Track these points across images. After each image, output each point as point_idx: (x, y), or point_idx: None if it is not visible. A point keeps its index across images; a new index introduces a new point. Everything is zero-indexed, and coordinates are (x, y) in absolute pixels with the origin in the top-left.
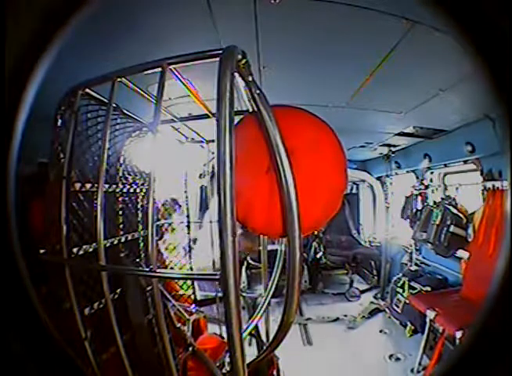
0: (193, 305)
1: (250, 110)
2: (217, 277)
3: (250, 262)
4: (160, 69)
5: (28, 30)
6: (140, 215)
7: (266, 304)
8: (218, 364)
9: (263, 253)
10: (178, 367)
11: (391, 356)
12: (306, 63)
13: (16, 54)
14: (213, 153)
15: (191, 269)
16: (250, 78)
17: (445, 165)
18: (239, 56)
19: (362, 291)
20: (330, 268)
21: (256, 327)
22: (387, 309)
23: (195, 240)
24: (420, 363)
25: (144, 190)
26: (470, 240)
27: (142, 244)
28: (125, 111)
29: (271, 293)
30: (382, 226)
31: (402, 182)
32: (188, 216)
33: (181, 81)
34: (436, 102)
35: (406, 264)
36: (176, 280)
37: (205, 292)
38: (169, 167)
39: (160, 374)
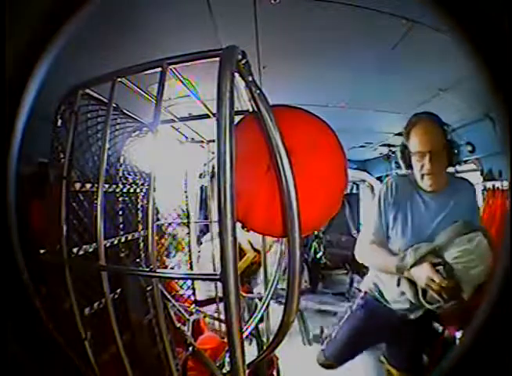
0: (193, 305)
1: (250, 110)
2: (217, 277)
3: None
4: (160, 69)
5: (28, 30)
6: (140, 215)
7: (266, 304)
8: (218, 364)
9: (263, 253)
10: (178, 367)
11: None
12: (306, 63)
13: (17, 54)
14: (213, 153)
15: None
16: (250, 78)
17: None
18: (239, 56)
19: None
20: (330, 268)
21: (256, 327)
22: None
23: None
24: None
25: (144, 190)
26: None
27: (142, 244)
28: (125, 111)
29: (271, 293)
30: None
31: None
32: (188, 216)
33: (181, 81)
34: (436, 102)
35: None
36: (176, 280)
37: None
38: (169, 167)
39: (160, 374)
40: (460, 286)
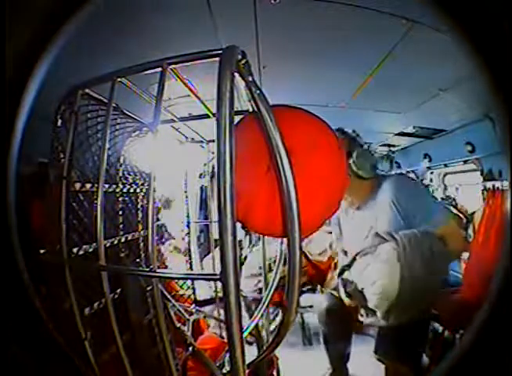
0: (193, 305)
1: (250, 110)
2: (217, 277)
3: None
4: (160, 69)
5: (28, 30)
6: (140, 215)
7: (266, 304)
8: (218, 364)
9: (263, 253)
10: (178, 367)
11: None
12: (306, 63)
13: (17, 54)
14: (213, 153)
15: None
16: (250, 78)
17: (445, 165)
18: (239, 56)
19: None
20: None
21: (256, 327)
22: None
23: None
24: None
25: (144, 190)
26: (470, 240)
27: (142, 244)
28: (125, 111)
29: (271, 293)
30: None
31: None
32: (188, 216)
33: (182, 81)
34: (436, 102)
35: None
36: (176, 280)
37: None
38: (169, 166)
39: (160, 374)
40: (367, 305)
